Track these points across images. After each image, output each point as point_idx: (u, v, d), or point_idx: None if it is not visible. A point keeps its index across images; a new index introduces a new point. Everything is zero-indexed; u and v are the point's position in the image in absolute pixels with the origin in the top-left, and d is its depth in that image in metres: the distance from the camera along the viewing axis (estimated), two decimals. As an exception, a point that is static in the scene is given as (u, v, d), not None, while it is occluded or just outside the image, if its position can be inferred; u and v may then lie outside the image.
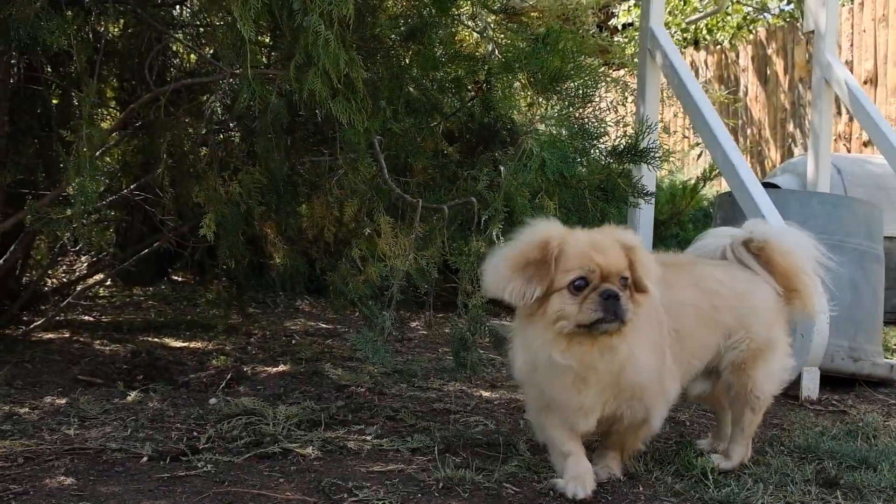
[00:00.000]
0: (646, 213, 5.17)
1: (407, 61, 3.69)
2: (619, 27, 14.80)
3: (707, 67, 13.71)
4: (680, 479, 2.61)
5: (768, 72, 12.78)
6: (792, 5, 14.49)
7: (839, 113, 11.59)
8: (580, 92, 3.27)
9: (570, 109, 3.25)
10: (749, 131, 12.98)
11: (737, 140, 13.04)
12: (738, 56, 13.25)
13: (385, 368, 4.35)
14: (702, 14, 12.54)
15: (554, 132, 3.22)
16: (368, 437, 2.96)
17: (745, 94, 13.06)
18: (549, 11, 10.08)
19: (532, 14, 10.46)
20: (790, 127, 12.33)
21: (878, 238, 4.79)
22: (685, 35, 14.57)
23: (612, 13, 15.02)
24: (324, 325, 6.28)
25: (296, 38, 2.62)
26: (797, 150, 12.00)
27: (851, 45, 11.45)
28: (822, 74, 5.83)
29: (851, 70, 11.31)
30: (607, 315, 2.20)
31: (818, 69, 5.89)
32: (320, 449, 2.78)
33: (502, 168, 3.24)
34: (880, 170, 7.40)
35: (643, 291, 2.33)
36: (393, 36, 3.59)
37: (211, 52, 4.21)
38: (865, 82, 11.19)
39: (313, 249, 4.63)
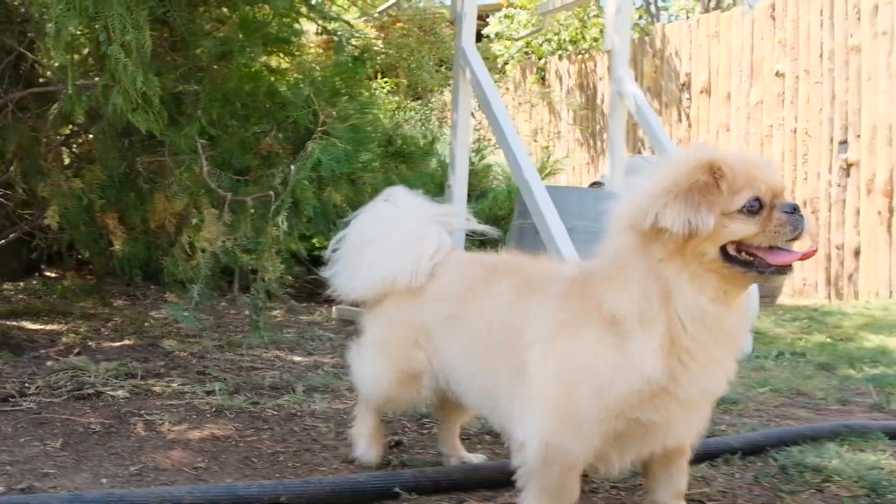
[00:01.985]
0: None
1: (222, 77, 4.36)
2: (493, 35, 15.76)
3: (569, 76, 14.76)
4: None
5: (621, 81, 13.89)
6: (643, 20, 15.70)
7: (680, 120, 12.80)
8: (358, 104, 4.01)
9: (348, 115, 3.99)
10: (605, 135, 14.05)
11: (595, 143, 14.14)
12: (595, 66, 14.32)
13: (219, 342, 5.02)
14: (527, 32, 13.73)
15: (333, 137, 3.96)
16: (174, 385, 3.64)
17: (602, 101, 14.14)
18: (412, 22, 10.94)
19: (397, 24, 11.30)
20: (640, 131, 13.44)
21: (644, 227, 5.72)
22: (550, 44, 15.57)
23: (487, 21, 15.97)
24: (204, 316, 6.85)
25: (103, 63, 3.27)
26: (646, 153, 13.14)
27: (690, 58, 12.61)
28: (617, 88, 6.77)
29: (690, 81, 12.50)
30: (796, 234, 1.86)
31: (613, 83, 6.83)
32: (129, 392, 3.46)
33: (293, 167, 3.97)
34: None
35: None
36: (209, 55, 4.25)
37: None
38: (702, 92, 12.36)
39: (158, 238, 5.24)
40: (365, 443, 2.63)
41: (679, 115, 12.83)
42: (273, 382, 3.76)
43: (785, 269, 1.85)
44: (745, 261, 1.85)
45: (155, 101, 3.39)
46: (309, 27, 6.42)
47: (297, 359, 4.61)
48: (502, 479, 2.36)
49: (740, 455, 2.71)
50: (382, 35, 10.82)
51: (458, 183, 5.92)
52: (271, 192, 4.01)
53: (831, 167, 10.37)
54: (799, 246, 1.93)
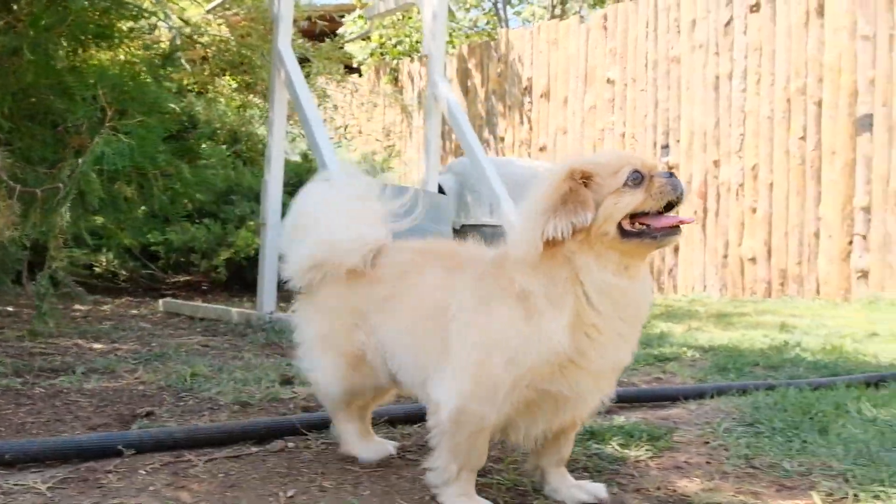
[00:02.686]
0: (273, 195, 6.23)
1: (15, 72, 4.48)
2: (347, 35, 16.04)
3: (420, 77, 15.20)
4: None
5: (469, 84, 14.43)
6: (490, 25, 16.31)
7: (522, 122, 13.40)
8: (153, 104, 4.24)
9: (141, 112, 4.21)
10: (453, 136, 14.55)
11: (444, 143, 14.60)
12: (445, 68, 14.79)
13: (23, 332, 5.11)
14: (356, 35, 14.30)
15: (121, 133, 4.17)
16: (-50, 371, 3.77)
17: (452, 102, 14.62)
18: (256, 21, 11.11)
19: (243, 23, 11.40)
20: (486, 133, 14.01)
21: (446, 221, 6.15)
22: (403, 46, 15.99)
23: (341, 22, 16.23)
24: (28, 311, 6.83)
25: None
26: (490, 153, 13.71)
27: (532, 63, 13.24)
28: (432, 91, 7.18)
29: (531, 85, 13.12)
30: (678, 194, 2.10)
31: (430, 87, 7.24)
32: None
33: (80, 160, 4.15)
34: (521, 170, 8.97)
35: None
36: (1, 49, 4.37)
37: None
38: (542, 96, 12.99)
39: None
40: (358, 441, 2.60)
41: (521, 117, 13.43)
42: (55, 366, 3.94)
43: (674, 229, 2.08)
44: (638, 231, 2.07)
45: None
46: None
47: (96, 346, 4.77)
48: (223, 439, 2.67)
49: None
50: (228, 32, 10.94)
51: (273, 179, 6.17)
52: (60, 185, 4.17)
53: (654, 169, 11.14)
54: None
